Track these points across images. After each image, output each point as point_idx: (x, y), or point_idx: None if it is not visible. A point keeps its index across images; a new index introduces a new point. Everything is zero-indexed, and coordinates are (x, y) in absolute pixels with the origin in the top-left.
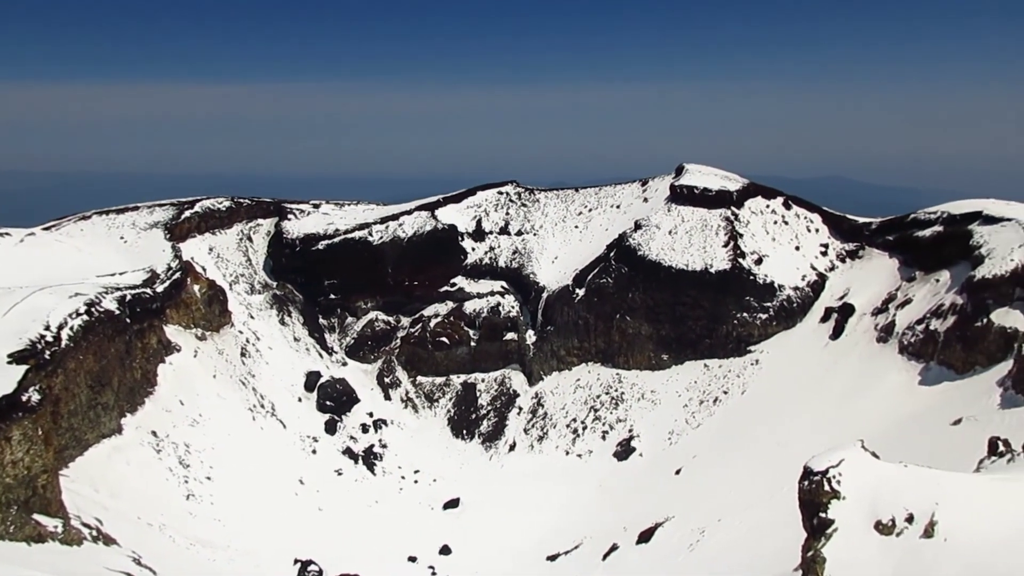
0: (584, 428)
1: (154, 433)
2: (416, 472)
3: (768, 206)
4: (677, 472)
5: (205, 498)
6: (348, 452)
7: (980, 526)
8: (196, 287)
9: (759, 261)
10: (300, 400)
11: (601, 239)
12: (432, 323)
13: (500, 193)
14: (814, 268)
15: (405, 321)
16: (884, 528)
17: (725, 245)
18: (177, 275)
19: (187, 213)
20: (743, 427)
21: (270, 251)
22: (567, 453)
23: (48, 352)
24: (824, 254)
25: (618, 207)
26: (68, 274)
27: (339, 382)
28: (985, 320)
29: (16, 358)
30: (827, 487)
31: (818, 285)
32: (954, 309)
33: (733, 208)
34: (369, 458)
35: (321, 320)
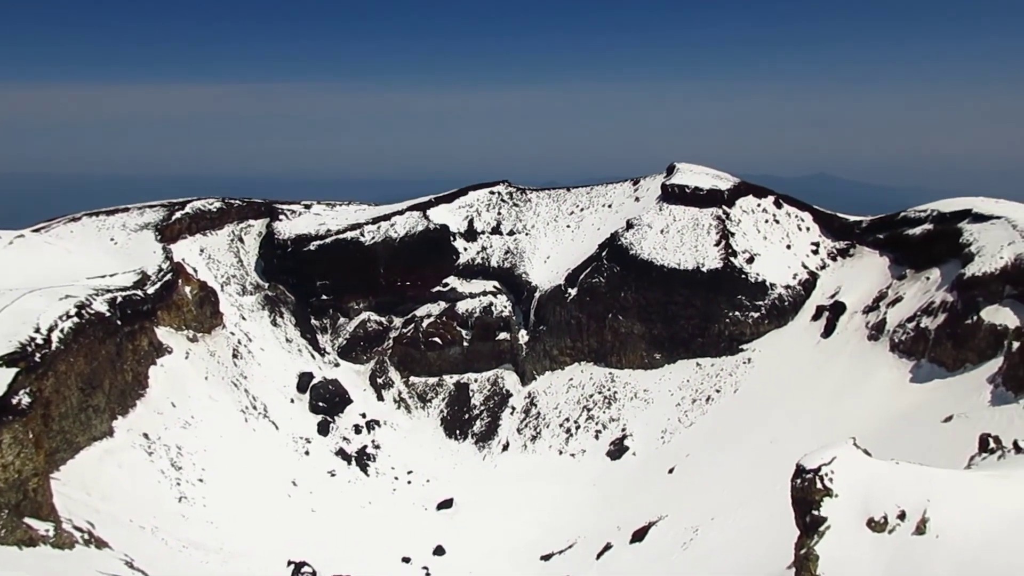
0: (577, 428)
1: (146, 435)
2: (409, 473)
3: (759, 205)
4: (670, 471)
5: (198, 500)
6: (341, 453)
7: (972, 522)
8: (187, 289)
9: (751, 260)
10: (292, 401)
11: (593, 238)
12: (425, 323)
13: (492, 193)
14: (805, 266)
15: (397, 321)
16: (876, 525)
17: (716, 244)
18: (168, 277)
19: (178, 214)
20: (736, 425)
21: (261, 252)
22: (560, 453)
23: (38, 355)
24: (815, 252)
25: (610, 206)
26: (58, 276)
27: (331, 383)
28: (975, 317)
29: (6, 361)
30: (819, 485)
31: (809, 283)
32: (944, 307)
33: (724, 207)
34: (362, 459)
35: (313, 321)
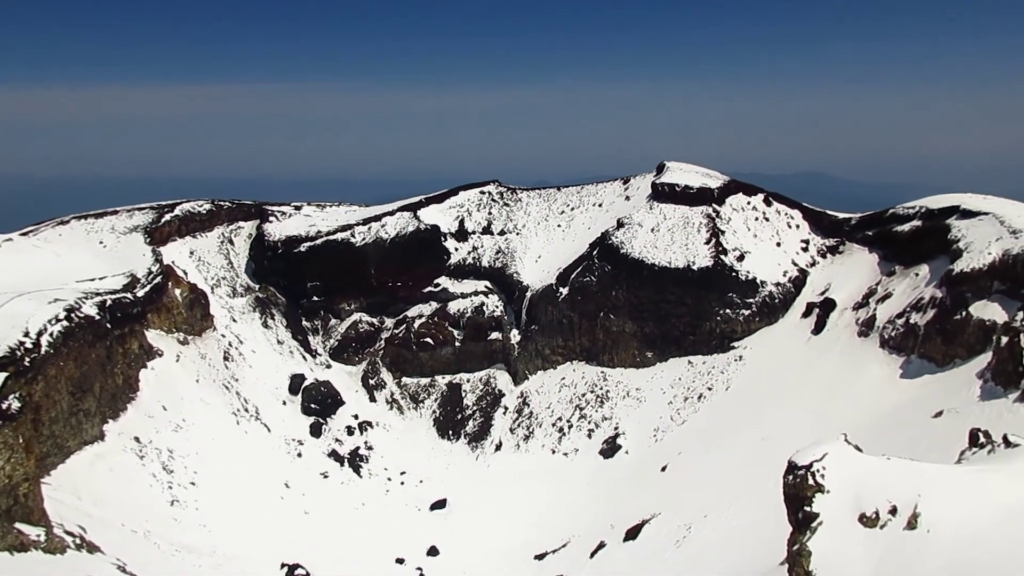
0: (570, 427)
1: (137, 439)
2: (402, 474)
3: (749, 203)
4: (663, 469)
5: (190, 504)
6: (334, 455)
7: (962, 517)
8: (177, 291)
9: (741, 258)
10: (284, 403)
11: (584, 238)
12: (416, 324)
13: (482, 193)
14: (795, 264)
15: (389, 322)
16: (868, 520)
17: (707, 242)
18: (158, 279)
19: (167, 216)
20: (728, 423)
21: (252, 254)
22: (553, 452)
23: (28, 359)
24: (805, 250)
25: (600, 206)
26: (47, 280)
27: (323, 384)
28: (964, 313)
29: None
30: (811, 481)
31: (799, 281)
32: (934, 303)
33: (714, 205)
34: (355, 460)
35: (304, 322)
